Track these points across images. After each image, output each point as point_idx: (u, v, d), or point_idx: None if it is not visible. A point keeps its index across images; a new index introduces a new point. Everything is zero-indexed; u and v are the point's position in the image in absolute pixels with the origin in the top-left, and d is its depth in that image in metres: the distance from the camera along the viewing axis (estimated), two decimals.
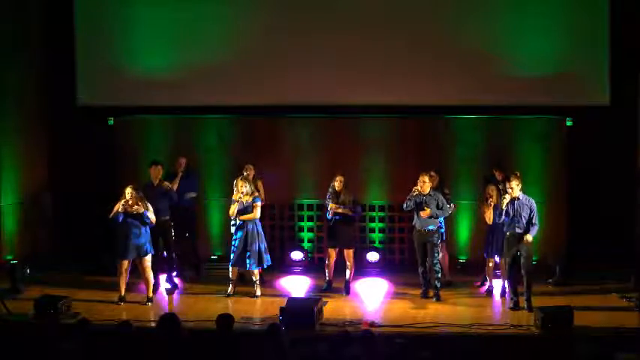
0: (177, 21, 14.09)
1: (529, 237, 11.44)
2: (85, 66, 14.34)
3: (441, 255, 12.30)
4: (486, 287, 12.48)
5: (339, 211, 12.41)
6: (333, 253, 12.59)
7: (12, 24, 13.87)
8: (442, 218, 12.23)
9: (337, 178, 12.43)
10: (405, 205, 12.14)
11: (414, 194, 11.97)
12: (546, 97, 13.64)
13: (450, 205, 12.33)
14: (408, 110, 13.89)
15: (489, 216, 12.01)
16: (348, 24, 13.81)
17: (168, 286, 12.62)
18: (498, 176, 12.71)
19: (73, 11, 14.28)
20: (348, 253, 12.55)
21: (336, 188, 12.42)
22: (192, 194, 13.37)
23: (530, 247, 11.55)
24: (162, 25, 14.14)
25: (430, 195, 12.00)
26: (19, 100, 14.02)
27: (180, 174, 13.20)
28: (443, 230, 12.41)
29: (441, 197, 12.10)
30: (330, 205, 12.42)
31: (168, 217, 12.54)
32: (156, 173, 12.59)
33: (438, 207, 11.99)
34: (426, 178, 11.97)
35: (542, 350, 10.20)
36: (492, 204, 11.98)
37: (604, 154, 13.62)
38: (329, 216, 12.52)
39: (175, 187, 12.89)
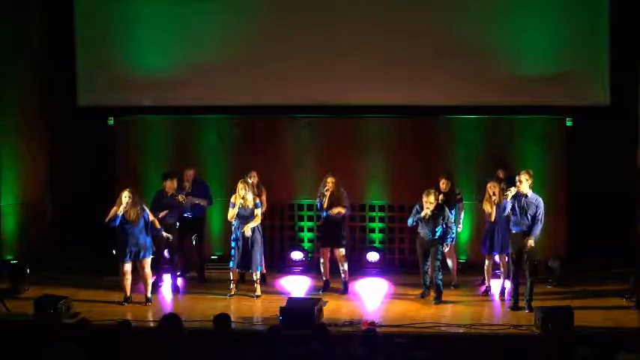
0: (177, 21, 14.09)
1: (531, 241, 11.39)
2: (85, 66, 14.34)
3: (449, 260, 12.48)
4: (484, 287, 12.46)
5: (335, 212, 12.30)
6: (326, 252, 12.54)
7: (12, 24, 13.86)
8: (453, 227, 12.14)
9: (329, 180, 12.29)
10: (410, 222, 12.05)
11: (422, 215, 11.81)
12: (546, 97, 13.62)
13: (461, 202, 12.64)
14: (408, 110, 13.88)
15: (492, 213, 11.98)
16: (348, 24, 13.80)
17: (171, 286, 12.65)
18: (501, 175, 12.70)
19: (73, 11, 14.26)
20: (338, 253, 12.43)
21: (330, 190, 12.27)
22: (204, 202, 13.18)
23: (532, 248, 11.53)
24: (162, 24, 14.13)
25: (437, 211, 11.88)
26: (19, 100, 14.01)
27: (187, 188, 12.95)
28: (454, 237, 12.28)
29: (446, 212, 11.95)
30: (325, 207, 12.28)
31: (173, 221, 12.56)
32: (171, 185, 12.56)
33: (443, 220, 11.88)
34: (432, 198, 11.76)
35: (542, 350, 10.20)
36: (495, 202, 11.96)
37: (604, 154, 13.61)
38: (319, 206, 12.40)
39: (184, 201, 12.74)
